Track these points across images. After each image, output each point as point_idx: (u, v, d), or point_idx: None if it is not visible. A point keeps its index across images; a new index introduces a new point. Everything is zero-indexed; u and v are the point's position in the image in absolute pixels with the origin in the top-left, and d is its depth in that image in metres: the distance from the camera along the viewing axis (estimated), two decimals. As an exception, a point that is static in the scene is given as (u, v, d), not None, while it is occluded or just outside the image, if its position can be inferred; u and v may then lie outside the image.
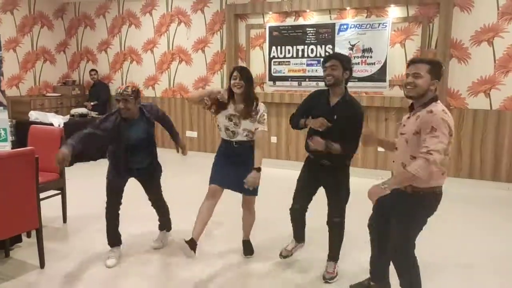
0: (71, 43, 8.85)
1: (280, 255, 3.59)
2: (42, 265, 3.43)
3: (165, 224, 3.99)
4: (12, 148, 4.48)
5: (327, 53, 6.37)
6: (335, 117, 3.11)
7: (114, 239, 3.64)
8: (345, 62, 3.16)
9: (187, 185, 5.38)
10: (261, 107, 3.35)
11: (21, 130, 6.05)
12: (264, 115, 3.33)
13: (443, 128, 2.39)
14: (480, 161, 5.83)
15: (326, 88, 3.26)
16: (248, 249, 3.74)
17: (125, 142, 3.44)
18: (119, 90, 3.40)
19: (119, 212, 3.59)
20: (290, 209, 3.45)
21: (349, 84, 6.30)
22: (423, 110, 2.52)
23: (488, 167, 5.81)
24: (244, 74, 3.30)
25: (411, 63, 2.60)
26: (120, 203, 3.58)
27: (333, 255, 3.38)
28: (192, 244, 3.14)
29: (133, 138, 3.46)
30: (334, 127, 3.08)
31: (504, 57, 5.57)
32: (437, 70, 2.53)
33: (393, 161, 2.73)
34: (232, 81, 3.28)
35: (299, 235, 3.57)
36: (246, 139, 3.38)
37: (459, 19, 5.69)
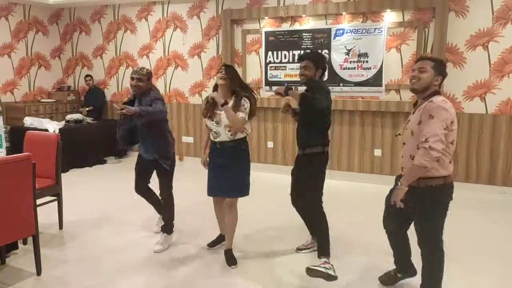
0: (66, 49, 8.82)
1: (297, 248, 3.85)
2: (38, 272, 3.40)
3: (165, 225, 4.00)
4: (7, 154, 4.45)
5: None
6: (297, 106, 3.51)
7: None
8: (317, 62, 3.44)
9: (183, 191, 5.35)
10: (244, 100, 3.45)
11: (16, 136, 6.02)
12: (244, 104, 3.41)
13: (440, 115, 2.55)
14: (476, 165, 5.85)
15: None
16: (231, 259, 3.62)
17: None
18: (135, 68, 3.78)
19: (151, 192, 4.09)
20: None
21: (346, 89, 6.40)
22: (425, 102, 2.69)
23: (484, 170, 5.83)
24: (229, 69, 3.50)
25: (419, 59, 2.82)
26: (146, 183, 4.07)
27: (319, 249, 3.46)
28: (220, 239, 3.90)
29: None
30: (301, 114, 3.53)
31: (499, 61, 5.61)
32: (440, 67, 2.74)
33: (402, 156, 2.83)
34: (219, 74, 3.47)
35: (309, 229, 3.81)
36: (228, 138, 3.47)
37: (455, 24, 5.73)
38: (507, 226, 4.61)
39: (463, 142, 5.86)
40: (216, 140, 3.53)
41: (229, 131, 3.45)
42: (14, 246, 3.69)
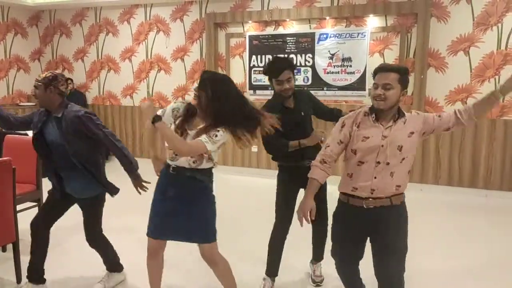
0: (46, 51, 8.65)
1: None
2: (18, 280, 3.29)
3: (108, 264, 3.37)
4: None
5: (306, 62, 6.42)
6: (302, 113, 3.12)
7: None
8: (294, 69, 3.10)
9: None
10: (220, 131, 2.46)
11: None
12: (217, 134, 2.43)
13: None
14: (458, 169, 5.93)
15: (270, 99, 3.18)
16: None
17: (43, 138, 3.04)
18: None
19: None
20: (279, 232, 3.21)
21: (330, 93, 6.42)
22: (406, 116, 2.41)
23: (466, 174, 5.90)
24: (207, 82, 2.46)
25: (380, 71, 2.37)
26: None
27: (322, 253, 3.40)
28: None
29: (49, 138, 3.02)
30: (304, 123, 3.14)
31: (479, 66, 5.70)
32: (405, 77, 2.39)
33: (375, 177, 2.37)
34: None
35: (276, 267, 3.28)
36: (188, 165, 2.58)
37: (436, 29, 5.81)
38: (490, 228, 4.67)
39: (445, 145, 5.94)
40: (171, 163, 2.62)
41: (192, 157, 2.56)
42: (-7, 254, 3.59)
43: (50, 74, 2.98)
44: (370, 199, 2.39)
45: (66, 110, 2.96)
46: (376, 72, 2.38)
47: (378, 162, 2.36)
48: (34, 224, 3.11)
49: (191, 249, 3.25)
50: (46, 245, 3.17)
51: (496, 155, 5.74)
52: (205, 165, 2.62)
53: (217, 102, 2.42)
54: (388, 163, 2.35)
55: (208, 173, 2.69)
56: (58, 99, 2.97)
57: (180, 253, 3.63)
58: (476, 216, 5.05)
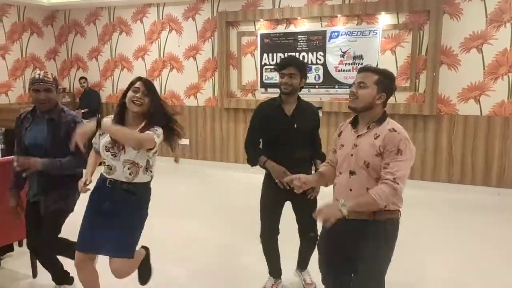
0: (61, 51, 8.79)
1: None
2: (34, 274, 3.37)
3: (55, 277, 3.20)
4: (1, 156, 4.43)
5: (317, 60, 6.43)
6: (295, 125, 2.95)
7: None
8: (303, 70, 2.95)
9: (179, 193, 5.35)
10: (157, 128, 2.54)
11: (11, 138, 5.97)
12: (157, 129, 2.52)
13: (408, 152, 2.11)
14: (471, 167, 5.89)
15: (274, 97, 3.07)
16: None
17: (21, 145, 2.86)
18: (36, 76, 2.76)
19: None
20: (261, 236, 3.18)
21: (341, 91, 6.41)
22: (381, 128, 2.19)
23: (479, 172, 5.86)
24: (151, 88, 2.58)
25: (360, 71, 2.27)
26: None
27: (307, 263, 3.34)
28: None
29: (28, 141, 2.83)
30: (294, 136, 2.96)
31: (493, 63, 5.65)
32: (386, 82, 2.21)
33: (350, 189, 2.21)
34: (131, 94, 2.52)
35: (277, 268, 3.26)
36: (125, 178, 2.54)
37: (449, 26, 5.77)
38: (504, 226, 4.63)
39: (458, 143, 5.91)
40: (108, 176, 2.57)
41: (128, 168, 2.53)
42: (10, 248, 3.67)
43: (49, 72, 2.85)
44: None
45: (64, 113, 2.86)
46: (358, 72, 2.28)
47: (351, 173, 2.22)
48: (32, 245, 2.99)
49: (194, 249, 3.30)
50: (54, 256, 3.09)
51: (510, 153, 5.69)
52: (142, 178, 2.59)
53: (157, 102, 2.61)
54: (360, 176, 2.18)
55: (145, 187, 2.66)
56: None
57: (185, 252, 3.68)
58: (489, 215, 5.02)
